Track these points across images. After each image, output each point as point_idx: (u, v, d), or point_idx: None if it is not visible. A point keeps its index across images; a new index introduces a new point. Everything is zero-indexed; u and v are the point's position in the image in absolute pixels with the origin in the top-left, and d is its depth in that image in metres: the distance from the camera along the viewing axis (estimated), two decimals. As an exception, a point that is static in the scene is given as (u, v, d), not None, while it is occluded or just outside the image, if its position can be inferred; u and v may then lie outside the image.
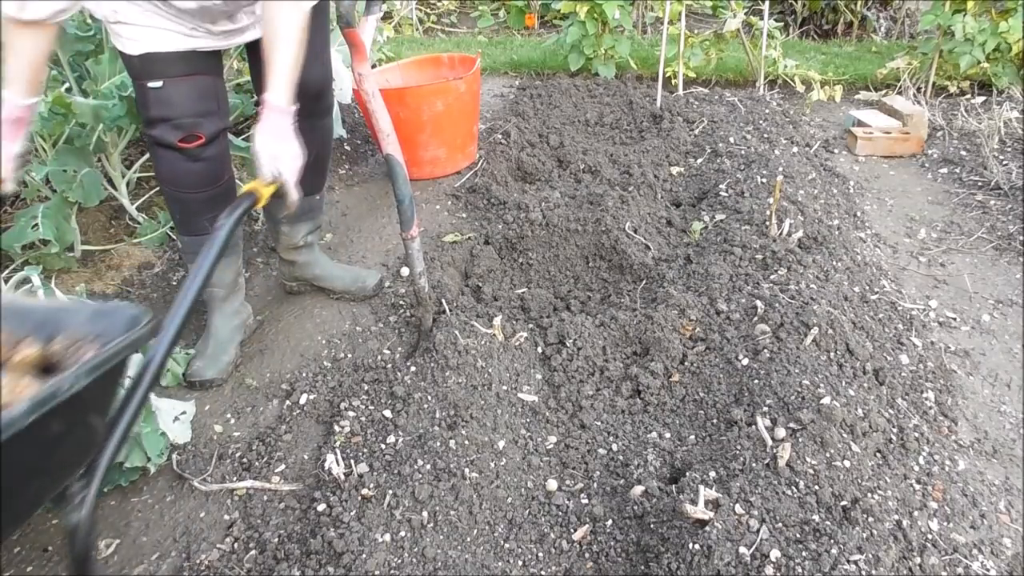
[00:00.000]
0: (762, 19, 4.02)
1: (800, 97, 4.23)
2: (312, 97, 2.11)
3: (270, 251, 2.76)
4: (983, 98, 4.01)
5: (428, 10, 6.66)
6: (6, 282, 1.83)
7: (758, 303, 2.07)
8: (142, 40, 1.79)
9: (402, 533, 1.52)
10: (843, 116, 3.98)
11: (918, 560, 1.38)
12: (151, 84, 1.82)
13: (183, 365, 2.11)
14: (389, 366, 2.08)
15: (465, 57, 3.53)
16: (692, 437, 1.78)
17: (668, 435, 1.81)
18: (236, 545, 1.61)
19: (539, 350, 2.10)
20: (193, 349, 2.17)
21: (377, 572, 1.43)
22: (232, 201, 2.01)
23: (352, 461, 1.74)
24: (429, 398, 1.89)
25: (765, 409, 1.70)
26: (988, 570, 1.41)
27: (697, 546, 1.39)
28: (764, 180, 2.83)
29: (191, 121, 1.87)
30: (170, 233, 2.74)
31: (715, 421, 1.80)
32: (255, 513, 1.69)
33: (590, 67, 4.42)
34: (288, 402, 2.02)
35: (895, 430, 1.70)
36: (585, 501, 1.66)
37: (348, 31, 1.79)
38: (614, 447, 1.80)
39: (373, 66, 3.86)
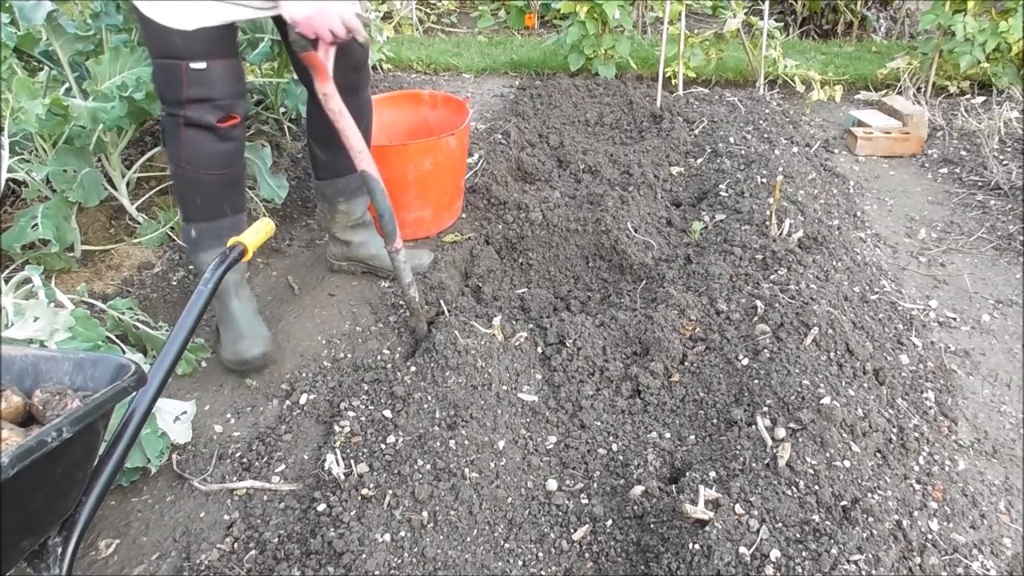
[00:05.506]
0: (762, 19, 4.01)
1: (800, 97, 4.23)
2: (353, 68, 2.17)
3: (270, 252, 2.76)
4: (983, 98, 4.01)
5: (428, 10, 6.66)
6: (6, 282, 1.83)
7: (758, 303, 2.07)
8: (195, 13, 1.80)
9: (402, 533, 1.52)
10: (843, 116, 3.98)
11: (918, 560, 1.38)
12: (195, 65, 1.83)
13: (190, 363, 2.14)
14: (389, 366, 2.08)
15: (449, 97, 3.00)
16: (692, 437, 1.78)
17: (668, 435, 1.81)
18: (236, 545, 1.61)
19: (539, 350, 2.10)
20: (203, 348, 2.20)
21: (377, 572, 1.43)
22: (242, 187, 2.07)
23: (352, 461, 1.74)
24: (429, 398, 1.89)
25: (765, 409, 1.70)
26: (988, 570, 1.41)
27: (697, 546, 1.39)
28: (764, 180, 2.83)
29: (229, 102, 1.92)
30: (170, 233, 2.74)
31: (715, 421, 1.80)
32: (255, 513, 1.69)
33: (590, 67, 4.41)
34: (288, 402, 2.02)
35: (895, 430, 1.70)
36: (585, 501, 1.66)
37: (306, 55, 1.78)
38: (614, 447, 1.81)
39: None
